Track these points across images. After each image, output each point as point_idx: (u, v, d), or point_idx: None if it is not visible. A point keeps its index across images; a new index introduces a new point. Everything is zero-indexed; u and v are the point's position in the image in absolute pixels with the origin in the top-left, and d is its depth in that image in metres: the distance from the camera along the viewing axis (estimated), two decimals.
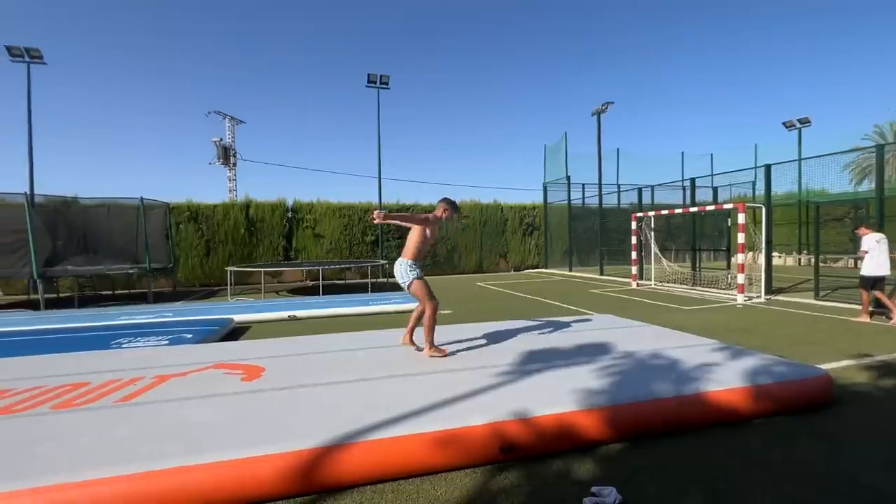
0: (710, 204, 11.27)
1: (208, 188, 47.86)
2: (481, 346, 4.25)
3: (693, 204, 10.44)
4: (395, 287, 12.14)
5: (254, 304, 8.55)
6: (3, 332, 5.91)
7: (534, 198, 18.52)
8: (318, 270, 10.85)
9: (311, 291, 11.44)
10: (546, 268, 17.31)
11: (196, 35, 45.09)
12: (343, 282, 14.42)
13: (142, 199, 10.79)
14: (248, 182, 26.94)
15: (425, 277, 4.01)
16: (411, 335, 4.23)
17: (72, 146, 39.25)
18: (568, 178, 15.78)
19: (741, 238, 7.73)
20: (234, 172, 24.77)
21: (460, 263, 16.84)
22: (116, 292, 12.36)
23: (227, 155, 24.60)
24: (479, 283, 12.73)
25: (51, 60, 12.50)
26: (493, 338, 4.59)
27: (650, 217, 10.50)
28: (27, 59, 12.49)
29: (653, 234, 10.48)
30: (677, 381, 3.03)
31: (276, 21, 47.23)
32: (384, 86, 15.08)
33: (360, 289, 11.79)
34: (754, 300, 7.92)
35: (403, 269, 3.89)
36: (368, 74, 14.81)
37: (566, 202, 16.48)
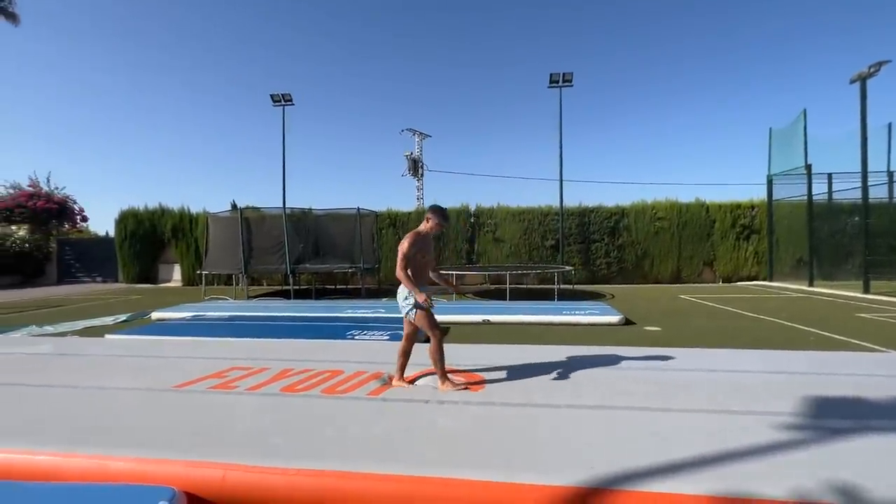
0: None
1: (401, 198, 54.47)
2: (732, 379, 3.42)
3: None
4: (581, 296, 11.43)
5: (448, 305, 9.07)
6: (275, 317, 7.58)
7: (750, 194, 15.22)
8: (506, 275, 10.98)
9: (494, 295, 11.66)
10: (770, 280, 13.99)
11: (389, 56, 51.92)
12: (524, 286, 14.35)
13: (358, 209, 12.69)
14: (434, 190, 29.59)
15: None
16: (402, 373, 3.44)
17: (302, 167, 49.92)
18: (808, 166, 12.41)
19: None
20: (421, 182, 27.46)
21: (652, 271, 14.95)
22: (337, 286, 14.87)
23: (416, 167, 27.47)
24: (681, 296, 11.00)
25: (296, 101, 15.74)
26: (743, 371, 3.68)
27: None
28: (283, 103, 16.12)
29: None
30: None
31: (450, 35, 50.88)
32: (567, 83, 14.45)
33: (543, 294, 11.48)
34: None
35: (402, 296, 3.26)
36: (551, 74, 14.40)
37: (800, 198, 13.00)
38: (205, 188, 51.97)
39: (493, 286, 14.08)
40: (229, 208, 12.35)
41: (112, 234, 17.99)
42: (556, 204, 14.52)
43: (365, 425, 2.59)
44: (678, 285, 14.21)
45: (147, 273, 17.14)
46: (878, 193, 11.97)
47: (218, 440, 2.40)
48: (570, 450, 2.26)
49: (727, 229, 14.76)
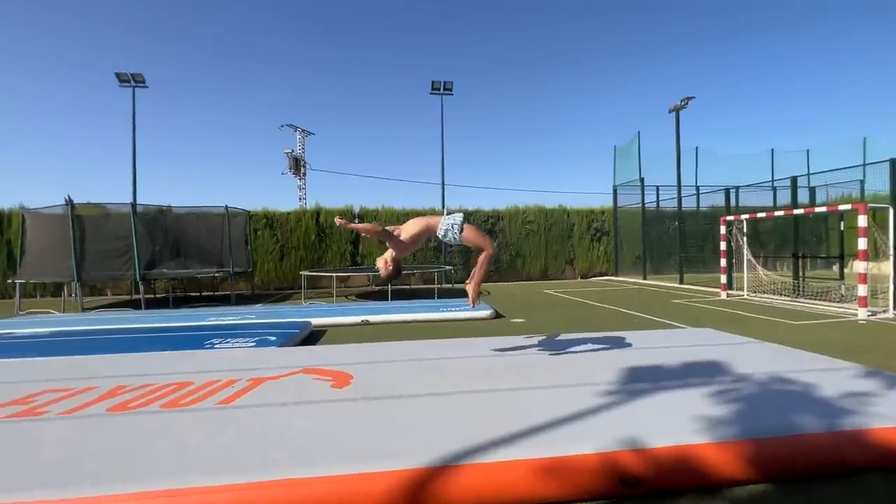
0: (820, 206, 9.99)
1: (281, 197, 51.00)
2: (571, 359, 3.95)
3: (795, 205, 9.32)
4: (461, 294, 12.02)
5: (328, 307, 8.78)
6: (114, 329, 6.50)
7: (602, 201, 17.63)
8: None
9: (378, 296, 11.62)
10: (616, 275, 16.38)
11: (266, 49, 48.44)
12: (408, 287, 14.56)
13: (227, 207, 11.57)
14: (317, 190, 28.37)
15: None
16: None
17: (163, 159, 43.70)
18: (641, 179, 14.85)
19: (862, 244, 6.72)
20: (303, 182, 26.13)
21: (524, 270, 16.39)
22: (203, 293, 13.34)
23: (297, 165, 26.05)
24: (546, 291, 12.27)
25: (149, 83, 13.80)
26: (582, 351, 4.27)
27: (743, 221, 9.52)
28: (132, 83, 13.96)
29: (745, 239, 9.47)
30: (826, 413, 2.56)
31: (339, 31, 49.60)
32: (448, 92, 15.14)
33: (426, 294, 11.80)
34: (879, 315, 6.84)
35: (459, 222, 3.84)
36: (432, 81, 14.94)
37: (638, 206, 15.50)
38: (24, 182, 42.28)
39: (377, 287, 14.02)
40: (63, 203, 10.18)
41: None
42: (438, 206, 15.06)
43: (209, 435, 2.38)
44: (545, 282, 15.81)
45: None
46: (690, 204, 14.86)
47: (12, 477, 1.99)
48: (422, 435, 2.37)
49: (584, 232, 16.89)
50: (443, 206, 15.06)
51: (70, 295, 10.72)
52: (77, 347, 5.26)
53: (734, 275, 10.08)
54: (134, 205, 10.73)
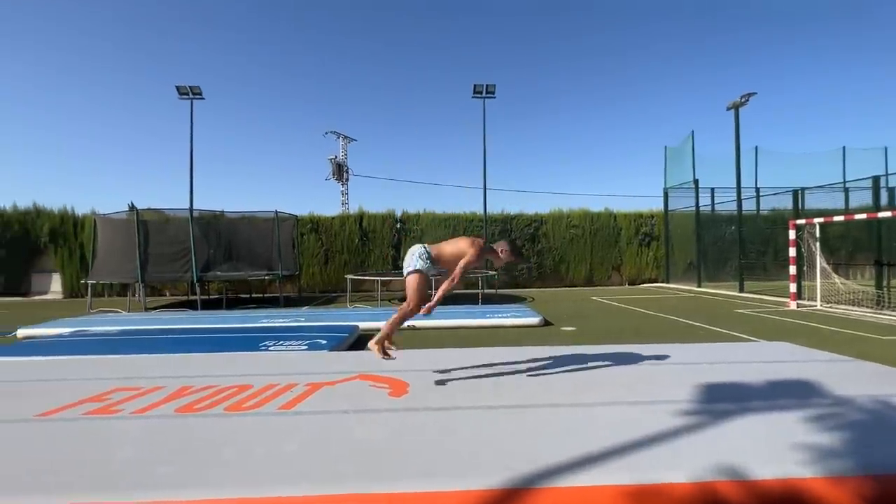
0: None
1: (325, 202, 52.56)
2: (636, 372, 3.69)
3: (878, 207, 8.47)
4: (505, 300, 11.79)
5: (372, 311, 8.83)
6: (176, 329, 6.79)
7: (651, 205, 16.94)
8: (431, 280, 10.95)
9: None
10: (667, 282, 15.59)
11: (310, 55, 50.21)
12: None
13: (276, 212, 11.95)
14: (359, 195, 28.98)
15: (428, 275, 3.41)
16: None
17: (217, 167, 46.17)
18: (696, 181, 14.07)
19: None
20: (346, 187, 26.73)
21: (568, 275, 15.93)
22: (252, 295, 13.84)
23: (340, 171, 26.69)
24: (593, 298, 11.82)
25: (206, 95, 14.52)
26: (647, 364, 3.99)
27: (816, 225, 8.75)
28: (191, 96, 14.75)
29: (818, 245, 8.70)
30: None
31: (381, 39, 50.62)
32: (490, 95, 14.98)
33: (467, 299, 11.66)
34: None
35: (416, 256, 3.37)
36: (474, 85, 14.84)
37: (690, 209, 14.70)
38: (95, 188, 45.85)
39: None
40: (127, 209, 10.91)
41: None
42: (480, 210, 14.92)
43: (273, 443, 2.35)
44: (590, 288, 15.28)
45: (17, 284, 14.62)
46: (750, 206, 13.93)
47: (90, 476, 2.03)
48: (490, 451, 2.24)
49: (632, 236, 16.22)
50: (484, 210, 14.90)
51: (134, 295, 11.40)
52: (143, 346, 5.52)
53: (803, 283, 9.28)
54: (192, 210, 11.30)
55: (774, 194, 13.37)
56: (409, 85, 51.35)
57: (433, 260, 3.42)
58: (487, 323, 7.29)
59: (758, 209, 14.53)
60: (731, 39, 47.03)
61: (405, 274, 3.39)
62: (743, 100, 12.05)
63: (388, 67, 50.65)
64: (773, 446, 2.25)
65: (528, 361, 4.07)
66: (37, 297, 14.40)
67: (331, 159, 26.45)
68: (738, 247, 12.40)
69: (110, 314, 9.32)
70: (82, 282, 12.73)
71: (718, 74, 46.39)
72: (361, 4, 48.12)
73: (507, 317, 7.56)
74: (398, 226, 15.89)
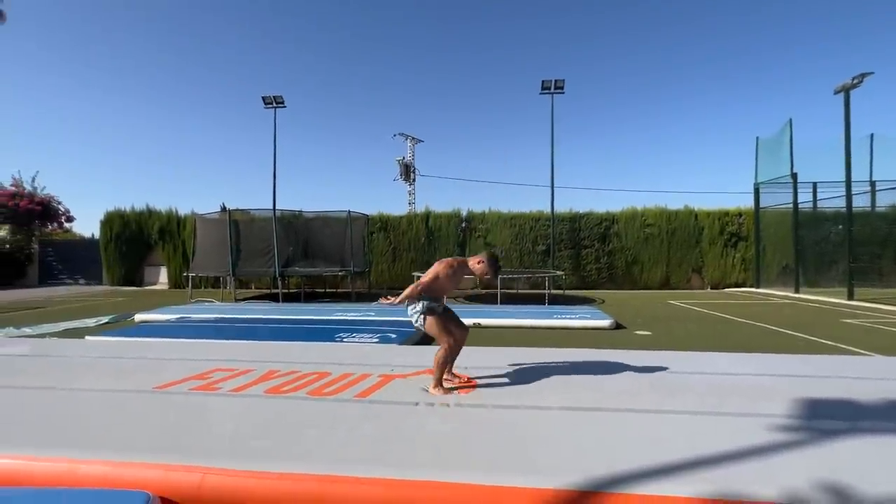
0: None
1: (393, 202, 54.40)
2: (723, 382, 3.40)
3: None
4: (572, 301, 11.42)
5: None
6: (263, 319, 7.44)
7: (737, 202, 15.43)
8: (497, 280, 10.93)
9: (486, 298, 11.61)
10: (757, 286, 14.15)
11: (381, 62, 52.08)
12: (515, 291, 14.33)
13: (349, 211, 12.59)
14: (426, 195, 29.65)
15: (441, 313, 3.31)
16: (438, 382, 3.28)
17: (293, 170, 49.66)
18: (794, 175, 12.62)
19: None
20: (413, 187, 27.43)
21: (642, 277, 15.05)
22: (327, 290, 14.70)
23: (408, 172, 27.44)
24: (670, 301, 11.06)
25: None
26: (734, 374, 3.67)
27: None
28: (274, 105, 15.97)
29: None
30: None
31: (443, 39, 51.20)
32: (559, 90, 14.54)
33: (534, 299, 11.46)
34: None
35: (410, 310, 3.33)
36: (543, 81, 14.49)
37: (786, 206, 13.20)
38: (195, 190, 51.42)
39: (483, 290, 14.03)
40: (219, 210, 12.17)
41: (98, 235, 17.61)
42: (547, 209, 14.56)
43: (351, 428, 2.50)
44: (667, 291, 14.31)
45: (132, 275, 16.80)
46: (862, 202, 12.21)
47: (197, 443, 2.30)
48: (562, 452, 2.20)
49: (715, 236, 14.93)
50: (552, 209, 14.52)
51: (226, 287, 12.61)
52: (235, 332, 6.12)
53: None
54: (274, 210, 12.27)
55: (894, 188, 11.64)
56: (475, 84, 51.45)
57: (428, 296, 3.30)
58: (555, 324, 7.11)
59: (872, 205, 12.70)
60: (838, 12, 41.52)
61: (416, 324, 3.37)
62: (855, 81, 10.56)
63: (454, 66, 51.13)
64: (888, 468, 1.98)
65: (600, 364, 3.92)
66: (148, 288, 16.45)
67: (399, 160, 27.31)
68: (846, 248, 10.91)
69: (206, 303, 10.40)
70: (184, 274, 14.33)
71: (820, 56, 41.17)
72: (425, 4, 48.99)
73: (575, 318, 7.32)
74: (463, 225, 16.01)
